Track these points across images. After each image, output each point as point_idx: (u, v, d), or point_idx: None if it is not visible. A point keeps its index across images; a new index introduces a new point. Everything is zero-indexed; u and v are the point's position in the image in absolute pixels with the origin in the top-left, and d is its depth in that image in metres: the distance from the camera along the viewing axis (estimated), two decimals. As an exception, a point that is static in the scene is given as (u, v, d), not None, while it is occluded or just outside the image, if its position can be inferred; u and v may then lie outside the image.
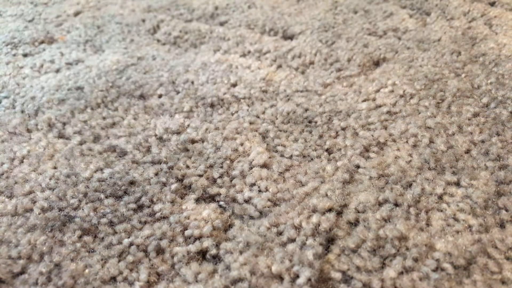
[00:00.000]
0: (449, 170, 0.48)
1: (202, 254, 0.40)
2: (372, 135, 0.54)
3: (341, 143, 0.53)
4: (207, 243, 0.41)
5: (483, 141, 0.52)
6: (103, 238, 0.42)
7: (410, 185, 0.46)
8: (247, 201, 0.46)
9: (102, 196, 0.46)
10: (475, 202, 0.43)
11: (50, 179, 0.49)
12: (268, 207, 0.44)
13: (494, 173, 0.47)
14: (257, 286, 0.36)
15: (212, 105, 0.62)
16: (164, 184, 0.48)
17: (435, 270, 0.37)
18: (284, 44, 0.79)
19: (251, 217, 0.44)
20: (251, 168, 0.50)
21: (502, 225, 0.41)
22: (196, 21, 0.91)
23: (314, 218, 0.42)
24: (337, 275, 0.37)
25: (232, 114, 0.60)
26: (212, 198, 0.47)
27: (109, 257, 0.40)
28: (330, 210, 0.43)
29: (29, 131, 0.57)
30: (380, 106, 0.60)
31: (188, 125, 0.58)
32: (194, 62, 0.74)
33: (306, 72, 0.70)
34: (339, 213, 0.43)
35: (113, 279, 0.38)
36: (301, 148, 0.53)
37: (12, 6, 1.02)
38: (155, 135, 0.56)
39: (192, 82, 0.68)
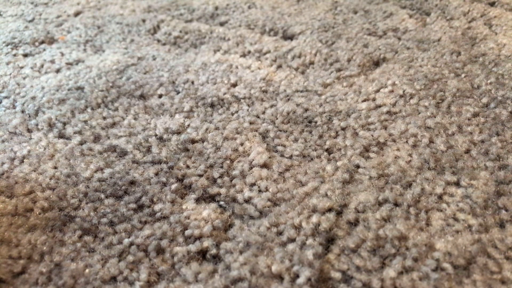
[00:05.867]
0: (449, 170, 0.48)
1: (202, 254, 0.41)
2: (372, 135, 0.54)
3: (341, 143, 0.53)
4: (207, 243, 0.41)
5: (483, 141, 0.52)
6: (103, 238, 0.42)
7: (410, 185, 0.46)
8: (247, 201, 0.46)
9: (102, 196, 0.46)
10: (475, 202, 0.43)
11: (51, 179, 0.49)
12: (268, 207, 0.44)
13: (494, 173, 0.47)
14: (257, 286, 0.36)
15: (212, 105, 0.62)
16: (164, 184, 0.48)
17: (435, 270, 0.37)
18: (284, 44, 0.79)
19: (251, 217, 0.44)
20: (251, 168, 0.50)
21: (502, 225, 0.41)
22: (196, 21, 0.91)
23: (314, 218, 0.42)
24: (337, 275, 0.37)
25: (232, 114, 0.60)
26: (212, 198, 0.47)
27: (110, 257, 0.40)
28: (330, 210, 0.43)
29: (29, 131, 0.57)
30: (380, 106, 0.60)
31: (188, 125, 0.58)
32: (194, 62, 0.74)
33: (306, 72, 0.70)
34: (339, 213, 0.43)
35: (114, 279, 0.38)
36: (301, 148, 0.53)
37: (12, 6, 1.03)
38: (155, 135, 0.56)
39: (192, 82, 0.68)
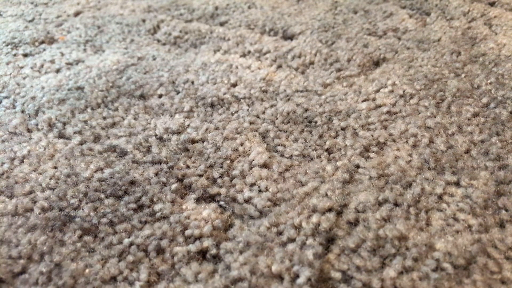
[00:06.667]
0: (449, 170, 0.48)
1: (202, 254, 0.41)
2: (372, 135, 0.54)
3: (341, 143, 0.53)
4: (207, 243, 0.41)
5: (483, 141, 0.52)
6: (103, 238, 0.42)
7: (410, 185, 0.46)
8: (247, 201, 0.46)
9: (102, 196, 0.46)
10: (475, 202, 0.43)
11: (51, 179, 0.49)
12: (268, 207, 0.44)
13: (494, 173, 0.47)
14: (257, 286, 0.36)
15: (212, 105, 0.62)
16: (164, 184, 0.48)
17: (435, 270, 0.37)
18: (284, 44, 0.79)
19: (251, 217, 0.44)
20: (251, 168, 0.50)
21: (502, 225, 0.41)
22: (196, 21, 0.91)
23: (314, 218, 0.42)
24: (337, 275, 0.37)
25: (232, 114, 0.60)
26: (212, 198, 0.47)
27: (110, 257, 0.40)
28: (330, 210, 0.43)
29: (29, 131, 0.57)
30: (380, 106, 0.60)
31: (188, 125, 0.58)
32: (194, 62, 0.74)
33: (306, 72, 0.70)
34: (339, 213, 0.43)
35: (114, 279, 0.38)
36: (301, 148, 0.53)
37: (12, 6, 1.03)
38: (155, 135, 0.56)
39: (192, 82, 0.68)
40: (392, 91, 0.63)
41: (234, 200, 0.46)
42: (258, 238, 0.41)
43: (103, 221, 0.43)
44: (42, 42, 0.84)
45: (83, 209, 0.45)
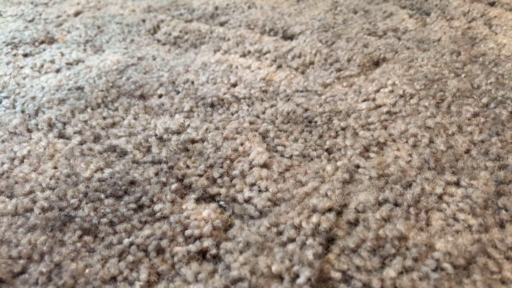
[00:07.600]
0: (449, 170, 0.48)
1: (202, 254, 0.41)
2: (372, 135, 0.54)
3: (341, 143, 0.53)
4: (207, 243, 0.41)
5: (483, 141, 0.52)
6: (103, 238, 0.42)
7: (410, 185, 0.46)
8: (247, 201, 0.46)
9: (102, 196, 0.46)
10: (475, 202, 0.43)
11: (51, 179, 0.49)
12: (268, 207, 0.44)
13: (494, 173, 0.47)
14: (257, 286, 0.36)
15: (212, 105, 0.62)
16: (164, 184, 0.48)
17: (435, 270, 0.37)
18: (284, 44, 0.79)
19: (251, 217, 0.44)
20: (251, 168, 0.50)
21: (502, 225, 0.41)
22: (196, 21, 0.91)
23: (314, 218, 0.42)
24: (337, 275, 0.37)
25: (232, 114, 0.60)
26: (212, 198, 0.47)
27: (110, 257, 0.40)
28: (330, 210, 0.43)
29: (29, 131, 0.57)
30: (380, 106, 0.60)
31: (188, 125, 0.58)
32: (194, 62, 0.74)
33: (306, 72, 0.70)
34: (339, 213, 0.43)
35: (113, 279, 0.38)
36: (301, 148, 0.53)
37: (12, 6, 1.03)
38: (155, 135, 0.56)
39: (192, 82, 0.68)
40: (392, 91, 0.63)
41: (234, 200, 0.46)
42: (258, 238, 0.41)
43: (103, 221, 0.43)
44: (42, 42, 0.84)
45: (83, 209, 0.45)
